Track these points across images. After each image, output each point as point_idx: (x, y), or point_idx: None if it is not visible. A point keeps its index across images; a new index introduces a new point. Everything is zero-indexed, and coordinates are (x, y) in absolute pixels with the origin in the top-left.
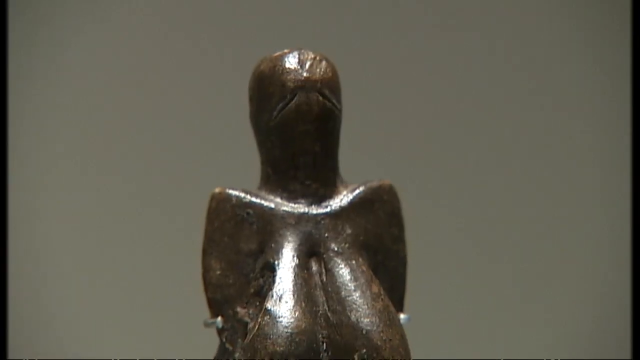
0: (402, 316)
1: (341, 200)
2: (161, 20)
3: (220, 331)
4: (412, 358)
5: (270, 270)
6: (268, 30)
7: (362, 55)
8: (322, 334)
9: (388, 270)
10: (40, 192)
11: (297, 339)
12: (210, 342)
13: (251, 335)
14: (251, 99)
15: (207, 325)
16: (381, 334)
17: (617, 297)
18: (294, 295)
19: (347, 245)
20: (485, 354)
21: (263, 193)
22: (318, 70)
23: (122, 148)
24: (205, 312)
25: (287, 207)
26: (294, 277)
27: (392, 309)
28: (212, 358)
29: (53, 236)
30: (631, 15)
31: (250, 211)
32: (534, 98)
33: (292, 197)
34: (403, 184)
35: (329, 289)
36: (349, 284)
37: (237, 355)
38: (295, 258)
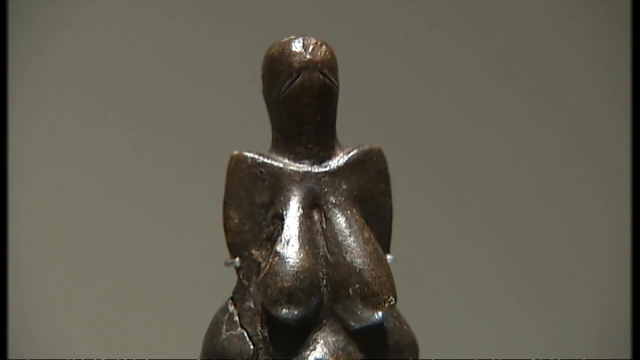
0: (388, 257)
1: (338, 161)
2: (187, 7)
3: (238, 269)
4: (397, 292)
5: (279, 219)
6: (277, 19)
7: (356, 41)
8: (322, 272)
9: (377, 219)
10: (54, 163)
11: (301, 276)
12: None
13: (263, 273)
14: (263, 77)
15: (227, 264)
16: (371, 272)
17: (617, 298)
18: (299, 240)
19: (343, 198)
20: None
21: (273, 155)
22: (319, 53)
23: (156, 120)
24: (226, 254)
25: (293, 166)
26: (299, 224)
27: (380, 251)
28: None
29: (59, 222)
30: (631, 15)
31: (263, 170)
32: (532, 76)
33: (297, 158)
34: (390, 146)
35: (328, 234)
36: (345, 230)
37: (251, 289)
38: (300, 209)
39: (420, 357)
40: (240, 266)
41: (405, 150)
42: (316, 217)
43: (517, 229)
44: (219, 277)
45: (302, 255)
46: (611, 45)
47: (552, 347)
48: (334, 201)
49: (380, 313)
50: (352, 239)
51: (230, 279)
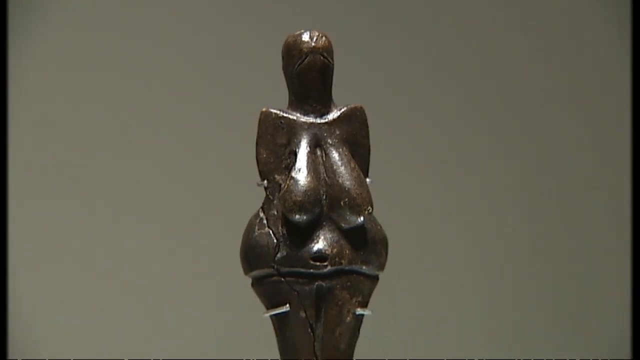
0: (368, 180)
1: (333, 115)
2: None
3: (266, 188)
4: (373, 203)
5: (293, 155)
6: (293, 19)
7: (346, 33)
8: (322, 190)
9: (360, 154)
10: (64, 152)
11: (309, 193)
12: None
13: (283, 191)
14: (283, 58)
15: (258, 185)
16: (356, 190)
17: (617, 298)
18: (307, 169)
19: (336, 140)
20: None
21: (289, 111)
22: (320, 42)
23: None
24: (258, 178)
25: (303, 119)
26: (307, 158)
27: (362, 176)
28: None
29: (60, 216)
30: (631, 15)
31: (283, 121)
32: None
33: (305, 113)
34: (371, 105)
35: (327, 165)
36: (338, 162)
37: (275, 202)
38: (307, 147)
39: (390, 248)
40: (267, 186)
41: (381, 108)
42: (318, 153)
43: (544, 276)
44: (253, 195)
45: (309, 179)
46: (611, 43)
47: (553, 347)
48: (330, 142)
49: (361, 218)
50: (342, 168)
51: (260, 196)
